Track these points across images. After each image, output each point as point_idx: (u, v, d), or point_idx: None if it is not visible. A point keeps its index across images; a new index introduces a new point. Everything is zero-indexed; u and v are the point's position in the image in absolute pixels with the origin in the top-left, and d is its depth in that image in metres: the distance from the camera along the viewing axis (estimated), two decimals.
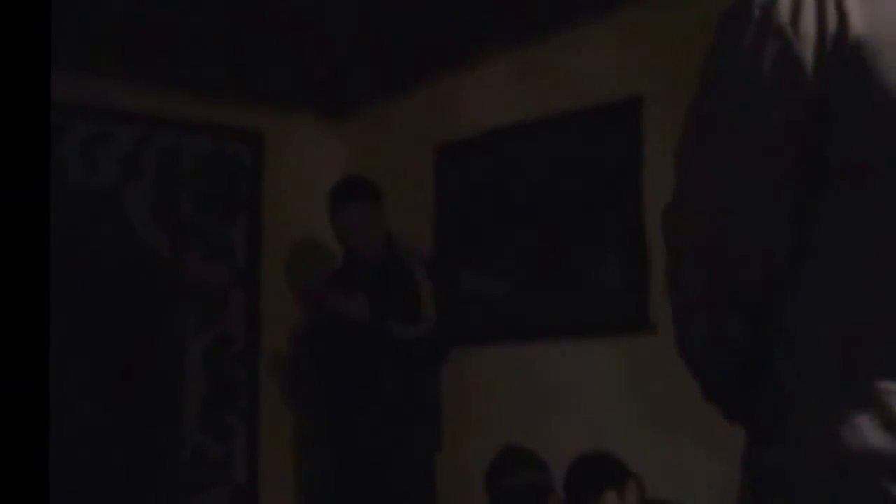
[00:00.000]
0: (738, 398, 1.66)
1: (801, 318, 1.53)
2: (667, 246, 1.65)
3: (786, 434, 1.52)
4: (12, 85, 1.64)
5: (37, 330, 1.62)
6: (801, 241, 1.53)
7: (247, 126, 5.82)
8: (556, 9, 4.76)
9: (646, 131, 4.60)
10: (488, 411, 5.12)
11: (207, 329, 5.63)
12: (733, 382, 1.66)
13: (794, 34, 1.47)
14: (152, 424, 5.41)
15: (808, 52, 1.47)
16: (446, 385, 5.02)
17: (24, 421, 1.60)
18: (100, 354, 5.26)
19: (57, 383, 5.10)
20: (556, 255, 4.96)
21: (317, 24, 4.88)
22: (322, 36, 5.06)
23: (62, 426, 5.10)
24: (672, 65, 4.41)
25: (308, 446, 5.83)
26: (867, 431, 1.43)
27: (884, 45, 1.45)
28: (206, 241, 5.66)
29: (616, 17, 4.72)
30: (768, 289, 1.57)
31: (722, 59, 1.56)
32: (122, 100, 5.36)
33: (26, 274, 1.63)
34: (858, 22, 1.45)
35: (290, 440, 5.86)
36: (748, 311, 1.59)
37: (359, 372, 4.91)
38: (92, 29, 4.71)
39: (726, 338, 1.62)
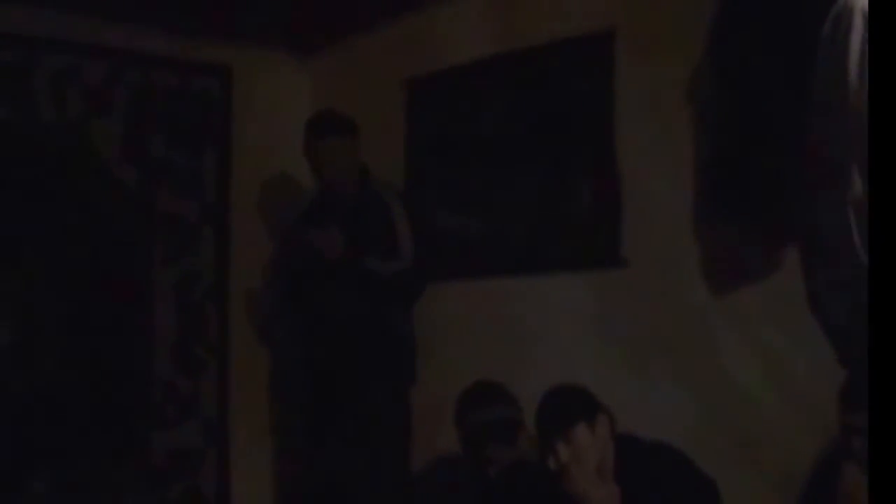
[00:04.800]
0: None
1: None
2: None
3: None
4: None
5: None
6: None
7: (215, 61, 5.78)
8: None
9: (618, 64, 4.58)
10: (460, 346, 5.13)
11: (177, 264, 5.62)
12: None
13: None
14: (122, 359, 5.41)
15: None
16: (418, 319, 5.03)
17: None
18: (68, 290, 5.24)
19: (25, 319, 5.11)
20: (527, 189, 4.95)
21: None
22: None
23: (32, 362, 5.10)
24: None
25: (281, 381, 5.84)
26: None
27: None
28: (176, 176, 5.63)
29: None
30: None
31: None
32: (91, 35, 5.30)
33: None
34: None
35: (262, 375, 5.86)
36: None
37: (333, 307, 4.91)
38: None
39: None
